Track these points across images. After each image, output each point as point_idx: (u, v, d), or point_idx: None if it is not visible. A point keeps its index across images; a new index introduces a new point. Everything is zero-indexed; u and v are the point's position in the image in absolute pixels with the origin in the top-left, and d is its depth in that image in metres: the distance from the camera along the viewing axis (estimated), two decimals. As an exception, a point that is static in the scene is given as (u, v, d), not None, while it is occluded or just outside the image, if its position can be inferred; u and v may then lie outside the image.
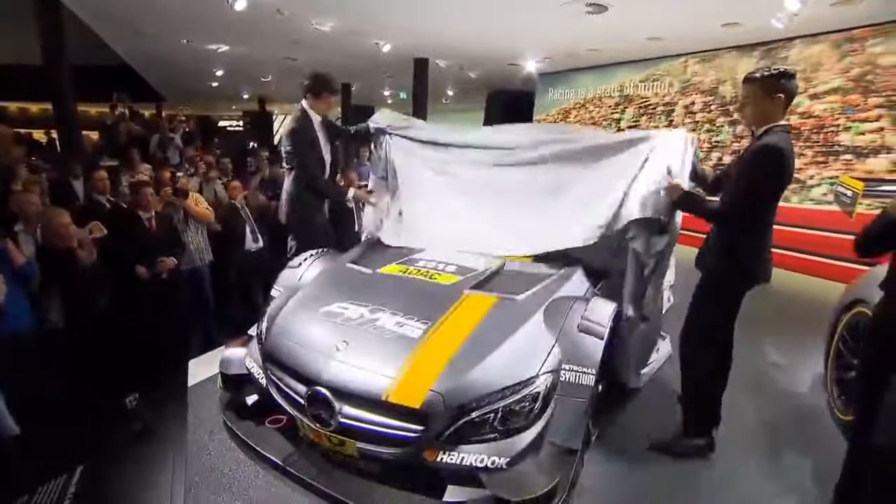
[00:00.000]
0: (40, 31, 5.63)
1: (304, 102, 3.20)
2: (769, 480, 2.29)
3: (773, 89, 2.14)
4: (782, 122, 2.19)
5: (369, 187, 3.60)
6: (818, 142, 6.02)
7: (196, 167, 5.62)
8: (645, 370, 2.79)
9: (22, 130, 10.30)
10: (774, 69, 2.20)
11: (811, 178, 6.13)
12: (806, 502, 2.16)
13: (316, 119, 3.21)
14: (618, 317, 2.31)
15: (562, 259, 2.68)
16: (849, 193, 2.82)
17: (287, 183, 3.26)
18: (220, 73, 11.20)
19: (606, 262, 2.74)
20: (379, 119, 3.34)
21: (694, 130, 7.66)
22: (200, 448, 2.34)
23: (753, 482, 2.28)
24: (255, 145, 14.00)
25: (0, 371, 2.13)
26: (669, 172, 2.37)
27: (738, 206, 2.19)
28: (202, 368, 3.01)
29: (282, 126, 24.15)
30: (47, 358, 2.68)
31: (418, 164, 3.19)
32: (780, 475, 2.33)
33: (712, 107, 7.47)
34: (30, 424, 2.12)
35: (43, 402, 2.42)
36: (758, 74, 2.20)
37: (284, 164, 3.30)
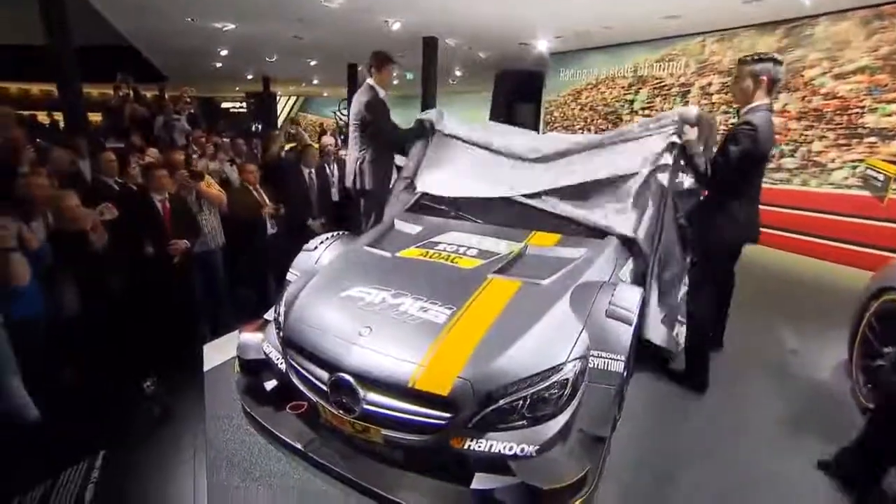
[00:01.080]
0: (42, 9, 5.50)
1: (369, 80, 3.64)
2: (794, 465, 2.26)
3: (758, 72, 2.52)
4: (766, 102, 2.54)
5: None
6: (841, 124, 5.84)
7: (203, 149, 5.53)
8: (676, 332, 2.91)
9: (24, 112, 10.22)
10: (763, 54, 2.58)
11: (832, 161, 5.96)
12: (830, 485, 2.14)
13: (381, 93, 3.63)
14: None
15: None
16: (881, 177, 2.73)
17: (362, 153, 3.66)
18: (224, 52, 11.01)
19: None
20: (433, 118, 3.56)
21: (710, 112, 7.49)
22: (219, 433, 2.32)
23: (778, 467, 2.25)
24: (260, 127, 13.87)
25: (16, 356, 2.10)
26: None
27: (718, 172, 2.61)
28: (216, 353, 2.99)
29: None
30: (63, 343, 2.65)
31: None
32: (805, 458, 2.29)
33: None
34: (49, 409, 2.11)
35: (61, 387, 2.41)
36: (748, 58, 2.59)
37: (358, 136, 3.65)
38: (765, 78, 2.51)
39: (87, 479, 1.53)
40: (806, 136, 6.19)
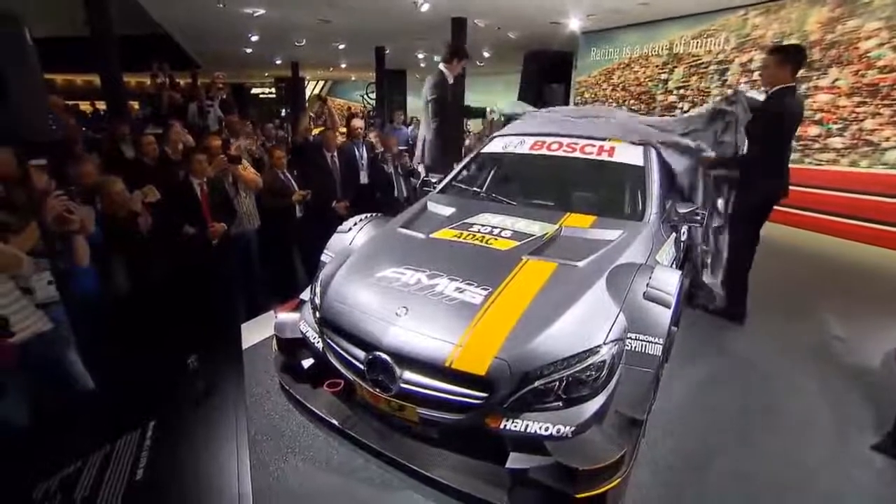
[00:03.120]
0: (86, 2, 5.66)
1: (441, 66, 4.10)
2: (841, 456, 2.20)
3: (784, 59, 3.09)
4: (790, 84, 3.11)
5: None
6: (899, 99, 5.48)
7: (238, 131, 5.61)
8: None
9: (69, 102, 10.62)
10: (786, 44, 3.53)
11: (887, 139, 5.60)
12: (880, 477, 2.08)
13: (450, 78, 4.11)
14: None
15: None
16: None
17: (429, 131, 4.20)
18: (254, 38, 11.14)
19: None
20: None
21: (752, 90, 7.13)
22: (259, 409, 2.42)
23: (823, 454, 2.20)
24: (289, 111, 14.05)
25: (74, 334, 2.22)
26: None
27: (755, 152, 3.17)
28: (253, 332, 3.09)
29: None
30: (114, 320, 2.78)
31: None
32: (854, 449, 2.23)
33: (773, 64, 6.89)
34: (103, 382, 2.24)
35: (113, 361, 2.54)
36: (774, 47, 3.28)
37: (428, 115, 4.18)
38: (789, 64, 3.08)
39: (141, 447, 1.61)
40: (857, 113, 5.83)
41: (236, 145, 4.35)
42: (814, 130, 6.24)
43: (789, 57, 3.11)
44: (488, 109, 4.31)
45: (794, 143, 3.55)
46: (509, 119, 4.09)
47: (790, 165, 3.35)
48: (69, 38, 8.84)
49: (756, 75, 7.09)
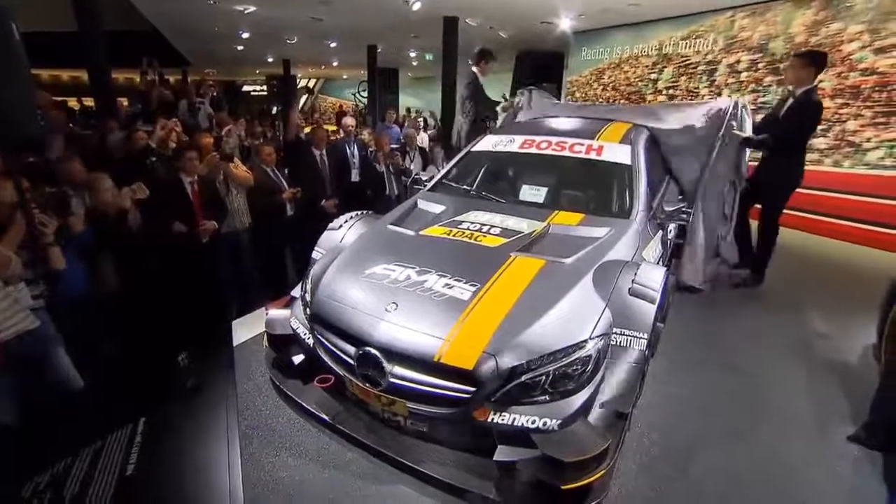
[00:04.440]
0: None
1: (473, 68, 4.98)
2: (820, 448, 2.26)
3: (810, 63, 3.50)
4: (813, 85, 3.54)
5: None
6: (880, 101, 5.57)
7: (226, 131, 5.60)
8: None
9: (56, 98, 10.46)
10: (812, 50, 3.96)
11: (868, 140, 5.71)
12: (856, 468, 2.13)
13: (481, 79, 5.03)
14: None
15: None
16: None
17: (463, 120, 5.10)
18: (245, 35, 11.06)
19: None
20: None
21: (738, 91, 7.25)
22: (249, 405, 2.43)
23: (805, 446, 2.26)
24: (280, 108, 13.98)
25: (64, 333, 2.22)
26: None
27: (791, 135, 3.58)
28: (244, 329, 3.09)
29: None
30: (104, 319, 2.77)
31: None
32: (832, 441, 2.29)
33: (760, 65, 7.00)
34: (93, 380, 2.24)
35: (103, 359, 2.54)
36: (804, 52, 3.79)
37: (461, 107, 5.15)
38: (815, 68, 3.49)
39: (132, 443, 1.63)
40: (840, 114, 5.95)
41: (227, 129, 4.33)
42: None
43: (815, 61, 3.49)
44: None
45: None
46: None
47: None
48: (56, 33, 8.71)
49: (743, 76, 7.21)
